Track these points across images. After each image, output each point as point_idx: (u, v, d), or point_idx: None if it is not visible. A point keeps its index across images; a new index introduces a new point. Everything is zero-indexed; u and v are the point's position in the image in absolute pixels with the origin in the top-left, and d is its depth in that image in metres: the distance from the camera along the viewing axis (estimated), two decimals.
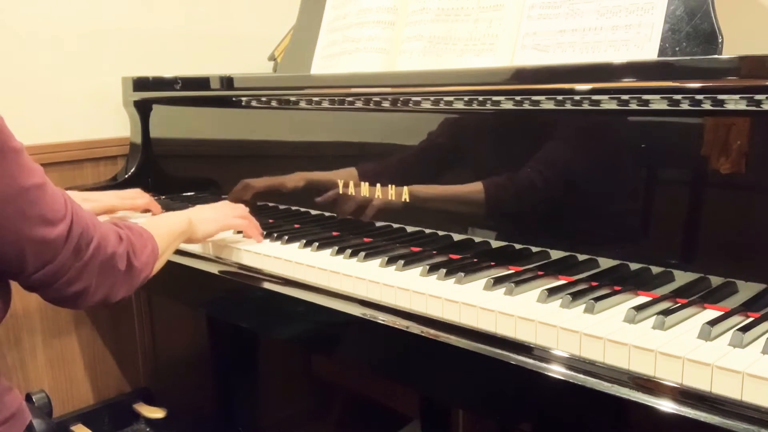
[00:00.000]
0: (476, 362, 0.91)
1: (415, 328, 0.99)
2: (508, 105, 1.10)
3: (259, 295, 1.25)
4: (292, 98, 1.45)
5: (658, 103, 0.94)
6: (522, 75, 1.11)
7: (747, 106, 0.86)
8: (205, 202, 1.68)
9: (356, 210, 1.34)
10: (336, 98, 1.35)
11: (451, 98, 1.17)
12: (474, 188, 1.18)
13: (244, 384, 1.95)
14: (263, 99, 1.52)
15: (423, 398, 1.66)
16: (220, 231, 1.33)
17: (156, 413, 1.85)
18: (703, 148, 0.92)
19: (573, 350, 0.84)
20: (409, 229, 1.27)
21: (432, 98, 1.19)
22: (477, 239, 1.17)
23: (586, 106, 1.01)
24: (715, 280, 0.93)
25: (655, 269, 0.98)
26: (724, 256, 0.93)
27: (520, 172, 1.12)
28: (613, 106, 0.98)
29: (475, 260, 1.13)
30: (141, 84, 1.81)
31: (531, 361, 0.86)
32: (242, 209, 1.38)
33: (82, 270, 0.94)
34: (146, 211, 1.59)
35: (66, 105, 1.82)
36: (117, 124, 1.89)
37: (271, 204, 1.55)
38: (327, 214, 1.42)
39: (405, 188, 1.25)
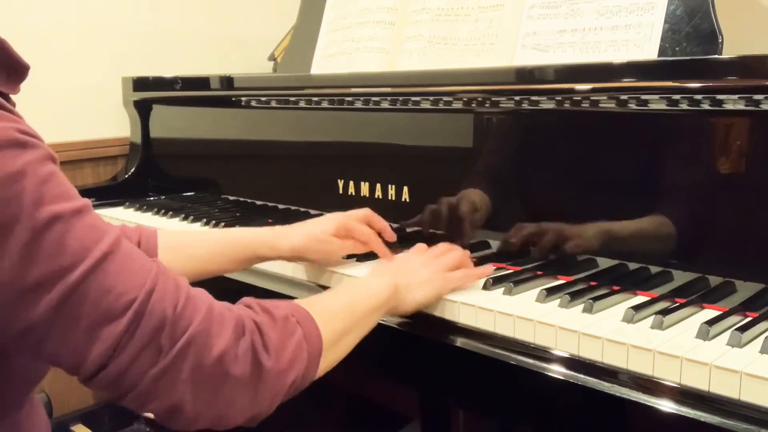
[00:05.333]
0: (475, 362, 0.91)
1: (414, 328, 0.98)
2: (508, 105, 1.10)
3: (259, 294, 1.25)
4: (292, 98, 1.45)
5: (657, 103, 0.94)
6: (522, 75, 1.11)
7: (746, 106, 0.86)
8: (204, 202, 1.69)
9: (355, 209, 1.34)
10: (336, 98, 1.35)
11: (450, 98, 1.17)
12: (472, 188, 1.18)
13: None
14: (263, 99, 1.52)
15: (423, 398, 1.66)
16: (436, 298, 0.98)
17: None
18: (703, 148, 0.92)
19: (572, 350, 0.84)
20: (408, 229, 1.27)
21: (432, 98, 1.19)
22: (475, 239, 1.17)
23: (585, 105, 1.01)
24: (714, 280, 0.93)
25: (654, 269, 0.98)
26: (723, 256, 0.93)
27: (519, 171, 1.12)
28: (612, 105, 0.98)
29: (474, 260, 1.13)
30: (141, 84, 1.81)
31: (530, 360, 0.86)
32: (453, 255, 1.04)
33: (162, 377, 0.66)
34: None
35: (66, 105, 1.82)
36: (117, 124, 1.89)
37: (270, 204, 1.55)
38: (326, 213, 1.41)
39: (405, 188, 1.25)
